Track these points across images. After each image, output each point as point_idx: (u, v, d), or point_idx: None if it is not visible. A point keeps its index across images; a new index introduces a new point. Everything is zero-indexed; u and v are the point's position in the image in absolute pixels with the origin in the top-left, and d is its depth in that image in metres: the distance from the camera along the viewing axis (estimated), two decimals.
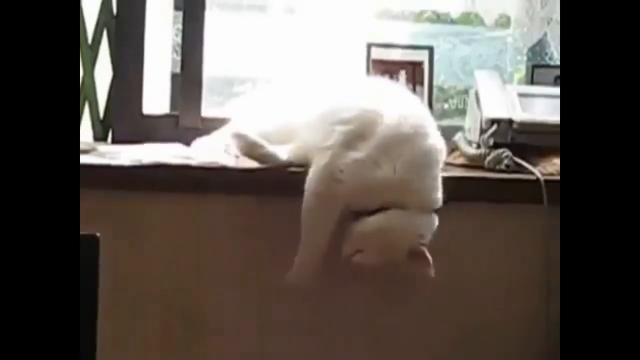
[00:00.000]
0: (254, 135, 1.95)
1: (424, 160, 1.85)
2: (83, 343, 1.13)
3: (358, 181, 1.83)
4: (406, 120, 1.86)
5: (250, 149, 1.95)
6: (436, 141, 1.89)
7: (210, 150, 2.06)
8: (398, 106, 1.90)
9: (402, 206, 1.83)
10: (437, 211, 1.86)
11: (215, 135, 2.13)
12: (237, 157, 1.99)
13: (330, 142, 1.86)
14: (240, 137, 1.95)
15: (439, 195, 1.87)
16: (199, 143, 2.13)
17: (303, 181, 1.85)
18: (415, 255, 1.83)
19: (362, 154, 1.83)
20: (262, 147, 1.94)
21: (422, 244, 1.83)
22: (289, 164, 1.94)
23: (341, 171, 1.83)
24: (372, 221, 1.83)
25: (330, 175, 1.84)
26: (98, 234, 1.22)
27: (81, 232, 1.17)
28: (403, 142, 1.84)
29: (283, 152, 1.95)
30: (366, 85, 2.07)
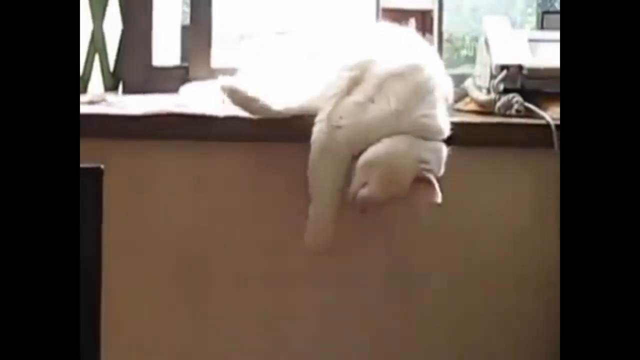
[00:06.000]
0: (244, 87, 1.92)
1: (418, 90, 1.85)
2: (86, 276, 1.14)
3: (355, 123, 1.84)
4: (401, 60, 1.87)
5: (244, 102, 1.92)
6: (434, 75, 1.88)
7: (199, 97, 2.06)
8: (402, 51, 1.90)
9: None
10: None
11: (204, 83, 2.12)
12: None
13: (334, 91, 1.87)
14: (232, 92, 1.92)
15: (441, 123, 1.86)
16: (188, 89, 2.13)
17: (311, 127, 1.86)
18: (420, 181, 1.81)
19: (359, 96, 1.85)
20: (255, 100, 1.92)
21: (427, 170, 1.82)
22: (284, 115, 1.92)
23: (340, 118, 1.84)
24: (372, 150, 1.82)
25: (331, 125, 1.85)
26: (102, 166, 1.22)
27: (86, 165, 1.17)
28: (396, 77, 1.85)
29: (276, 103, 1.92)
30: (375, 32, 2.06)
